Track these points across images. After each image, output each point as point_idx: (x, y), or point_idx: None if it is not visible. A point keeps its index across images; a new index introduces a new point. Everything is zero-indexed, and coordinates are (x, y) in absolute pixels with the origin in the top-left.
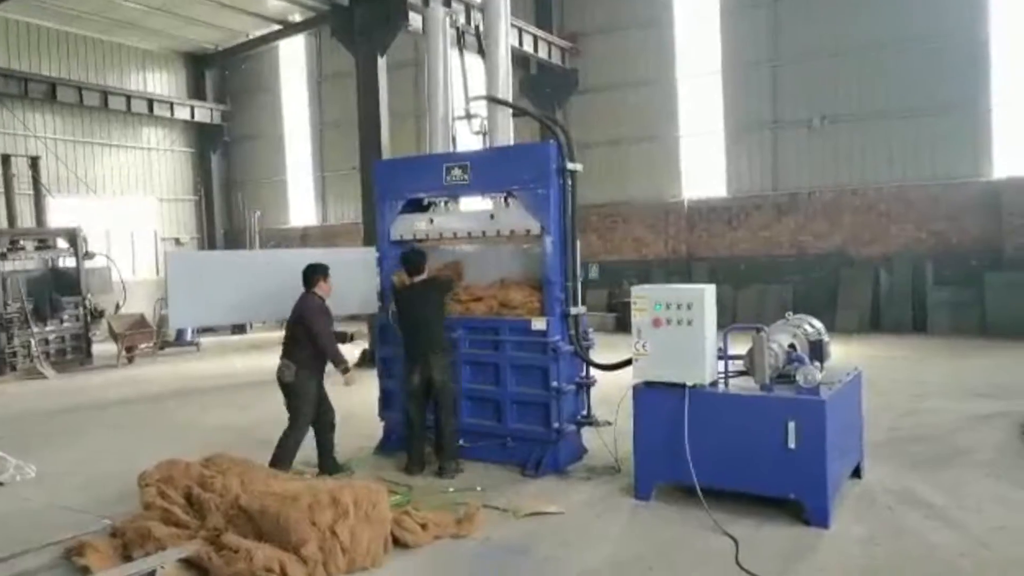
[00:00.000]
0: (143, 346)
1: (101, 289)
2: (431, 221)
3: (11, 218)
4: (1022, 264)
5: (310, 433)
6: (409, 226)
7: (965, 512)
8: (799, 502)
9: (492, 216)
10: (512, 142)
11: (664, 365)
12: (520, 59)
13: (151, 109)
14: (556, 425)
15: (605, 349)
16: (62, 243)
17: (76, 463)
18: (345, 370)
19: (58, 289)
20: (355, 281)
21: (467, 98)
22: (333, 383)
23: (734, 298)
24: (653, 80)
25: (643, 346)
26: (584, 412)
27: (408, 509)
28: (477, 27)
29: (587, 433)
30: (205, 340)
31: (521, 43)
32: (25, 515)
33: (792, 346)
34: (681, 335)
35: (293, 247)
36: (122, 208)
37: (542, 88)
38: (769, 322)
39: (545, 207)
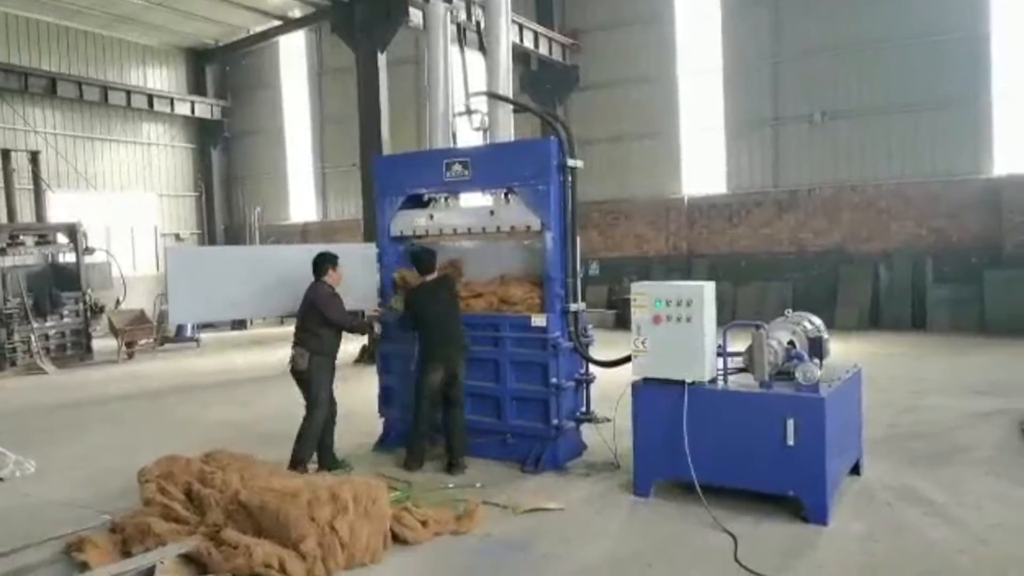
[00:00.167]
0: (143, 342)
1: (101, 285)
2: (431, 217)
3: (11, 213)
4: (1022, 261)
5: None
6: (409, 222)
7: (964, 509)
8: (798, 499)
9: (492, 212)
10: (513, 138)
11: (664, 362)
12: (521, 55)
13: (151, 104)
14: (555, 421)
15: (605, 346)
16: (62, 238)
17: (76, 459)
18: (371, 327)
19: (58, 284)
20: (355, 277)
21: (467, 94)
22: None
23: (734, 295)
24: (654, 77)
25: (643, 343)
26: (583, 409)
27: (408, 505)
28: (478, 23)
29: (586, 430)
30: (205, 336)
31: (522, 39)
32: (25, 510)
33: (791, 343)
34: (681, 332)
35: (293, 243)
36: (122, 204)
37: (543, 84)
38: (769, 319)
39: (545, 203)
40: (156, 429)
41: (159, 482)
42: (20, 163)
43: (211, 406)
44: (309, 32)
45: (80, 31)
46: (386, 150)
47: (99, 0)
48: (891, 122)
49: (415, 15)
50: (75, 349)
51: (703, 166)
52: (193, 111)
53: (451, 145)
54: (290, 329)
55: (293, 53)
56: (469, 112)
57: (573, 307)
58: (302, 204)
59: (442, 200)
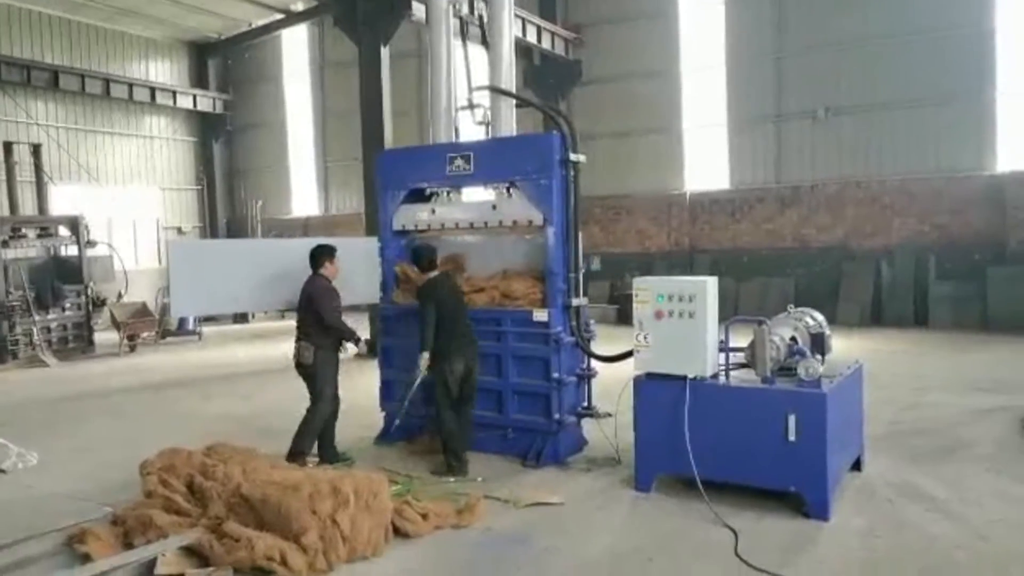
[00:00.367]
0: (145, 335)
1: (103, 277)
2: (433, 211)
3: (13, 206)
4: None
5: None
6: (411, 216)
7: (965, 505)
8: (799, 495)
9: (494, 207)
10: (515, 133)
11: (665, 357)
12: (523, 50)
13: (153, 97)
14: (557, 416)
15: (606, 341)
16: (64, 231)
17: (78, 451)
18: (357, 341)
19: (60, 277)
20: (357, 271)
21: (470, 88)
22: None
23: (736, 291)
24: (657, 72)
25: (644, 338)
26: (585, 403)
27: (409, 499)
28: (480, 17)
29: (588, 425)
30: (207, 329)
31: (525, 34)
32: (27, 502)
33: (794, 339)
34: (683, 327)
35: (295, 236)
36: (124, 196)
37: (545, 79)
38: (771, 315)
39: (548, 198)
40: (158, 422)
41: (161, 475)
42: (22, 156)
43: (213, 399)
44: (311, 25)
45: (83, 24)
46: (388, 144)
47: None
48: (895, 118)
49: (418, 9)
50: (77, 342)
51: (706, 161)
52: (195, 104)
53: (453, 139)
54: (292, 323)
55: (295, 47)
56: (472, 106)
57: (575, 302)
58: (304, 198)
59: (444, 194)
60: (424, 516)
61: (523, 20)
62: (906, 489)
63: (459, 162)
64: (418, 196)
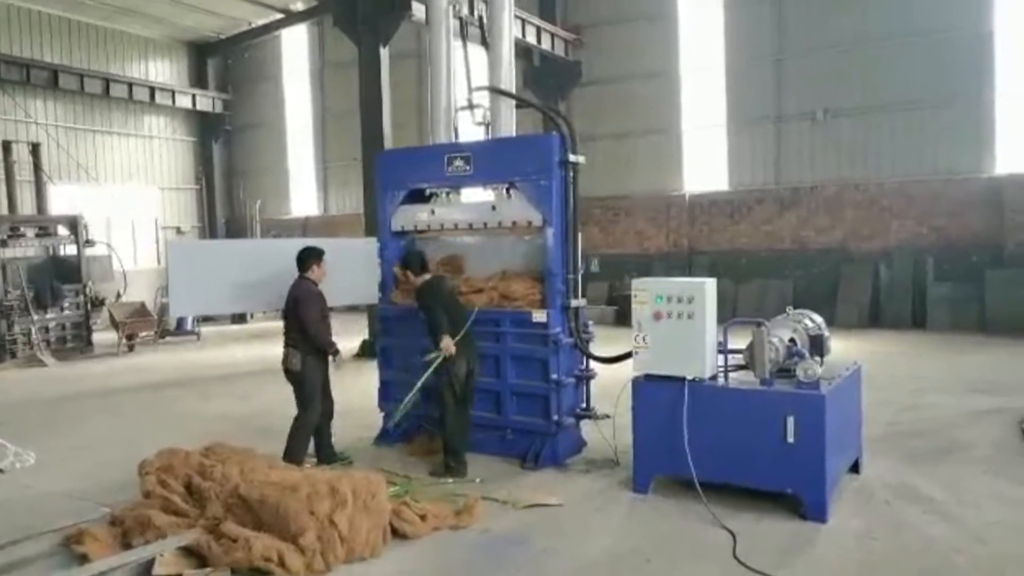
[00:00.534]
0: (143, 334)
1: (102, 277)
2: (433, 212)
3: (11, 205)
4: (1022, 261)
5: None
6: (411, 217)
7: (962, 507)
8: (797, 496)
9: (494, 207)
10: (515, 133)
11: (664, 358)
12: (523, 50)
13: (153, 97)
14: (555, 417)
15: (605, 342)
16: (63, 231)
17: (76, 451)
18: (335, 353)
19: (59, 277)
20: (356, 271)
21: (470, 89)
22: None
23: (735, 292)
24: (656, 73)
25: (643, 339)
26: (584, 405)
27: (407, 500)
28: (480, 17)
29: (586, 426)
30: (206, 329)
31: (524, 34)
32: (24, 502)
33: (792, 340)
34: (682, 328)
35: (294, 237)
36: (123, 196)
37: (545, 80)
38: (770, 316)
39: (547, 199)
40: (156, 422)
41: (159, 475)
42: (21, 155)
43: (211, 399)
44: (311, 25)
45: (82, 23)
46: (388, 144)
47: None
48: (893, 120)
49: (418, 9)
50: (75, 342)
51: (705, 163)
52: (195, 104)
53: (453, 140)
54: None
55: (295, 47)
56: (471, 107)
57: (574, 303)
58: (303, 198)
59: (444, 195)
60: (422, 517)
61: (523, 21)
62: (904, 491)
63: (458, 162)
64: (417, 197)
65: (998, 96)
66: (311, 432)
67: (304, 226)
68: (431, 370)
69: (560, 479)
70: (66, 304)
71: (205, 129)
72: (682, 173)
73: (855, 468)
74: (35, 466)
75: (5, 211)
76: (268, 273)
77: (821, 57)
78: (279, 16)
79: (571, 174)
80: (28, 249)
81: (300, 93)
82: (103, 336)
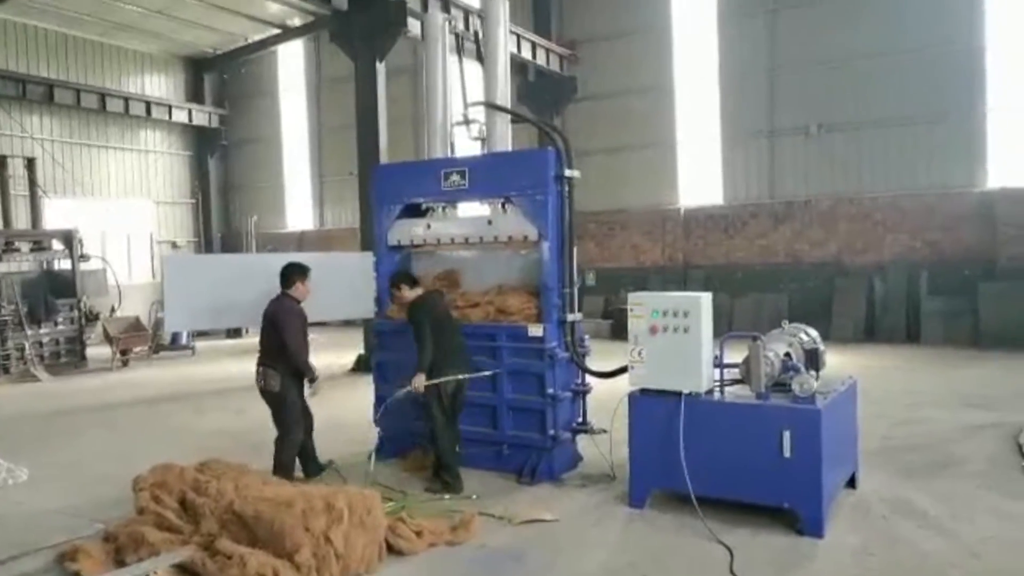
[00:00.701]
0: (138, 349)
1: (96, 292)
2: (429, 226)
3: (6, 219)
4: (1016, 274)
5: None
6: (407, 231)
7: (957, 522)
8: (794, 511)
9: (490, 222)
10: (510, 148)
11: (660, 373)
12: (519, 66)
13: (149, 112)
14: (552, 432)
15: (601, 356)
16: (57, 245)
17: (69, 466)
18: (312, 380)
19: (53, 291)
20: (352, 286)
21: (466, 104)
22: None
23: (730, 306)
24: (651, 88)
25: (639, 353)
26: (580, 419)
27: (403, 516)
28: (476, 33)
29: (582, 441)
30: (200, 344)
31: (520, 50)
32: (17, 519)
33: (788, 355)
34: (678, 343)
35: (290, 251)
36: (118, 211)
37: (540, 95)
38: (765, 330)
39: (543, 213)
40: (150, 437)
41: (153, 491)
42: (16, 170)
43: (206, 414)
44: (308, 41)
45: (78, 38)
46: (384, 159)
47: (97, 7)
48: (886, 135)
49: (413, 25)
50: (69, 357)
51: (700, 177)
52: (191, 119)
53: (449, 155)
54: None
55: (292, 62)
56: (467, 122)
57: (570, 317)
58: (299, 212)
59: (440, 209)
60: (418, 533)
61: (518, 36)
62: (900, 505)
63: (455, 177)
64: (414, 211)
65: (990, 111)
66: (296, 449)
67: (300, 241)
68: (399, 396)
69: (556, 494)
70: (60, 319)
71: (201, 144)
72: (677, 187)
73: (851, 483)
74: (28, 482)
75: (0, 226)
76: (264, 288)
77: (814, 72)
78: (276, 32)
79: (567, 189)
80: (22, 263)
81: (296, 108)
82: (97, 351)
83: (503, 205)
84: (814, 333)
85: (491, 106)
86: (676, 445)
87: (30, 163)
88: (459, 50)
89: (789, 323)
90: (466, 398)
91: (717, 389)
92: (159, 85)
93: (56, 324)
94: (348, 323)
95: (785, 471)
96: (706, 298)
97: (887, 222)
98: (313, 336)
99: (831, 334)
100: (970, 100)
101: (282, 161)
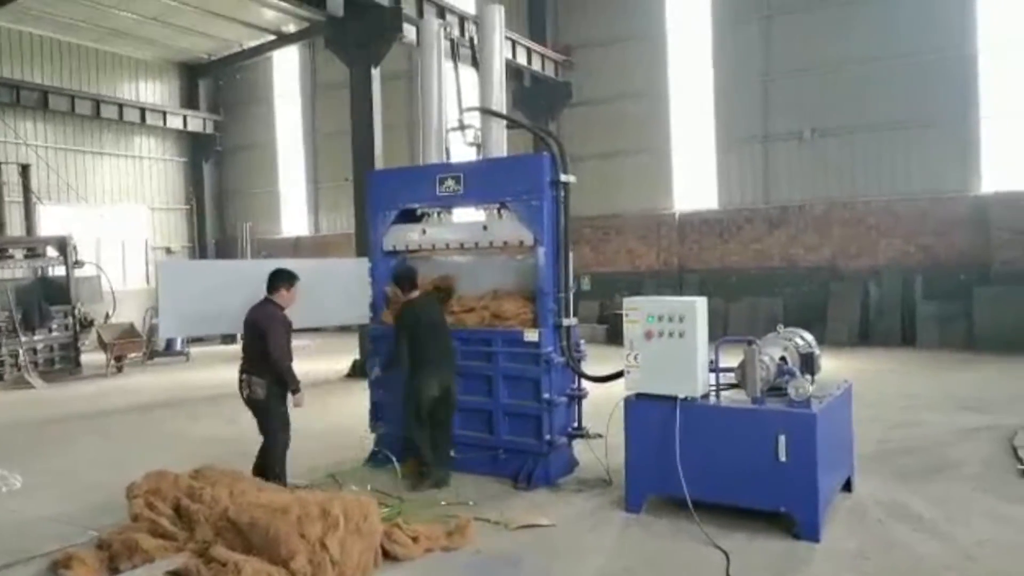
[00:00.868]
0: (132, 355)
1: (91, 298)
2: (424, 232)
3: (0, 226)
4: (1010, 278)
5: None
6: (402, 237)
7: (953, 525)
8: (790, 516)
9: (485, 227)
10: (506, 154)
11: (656, 377)
12: (514, 71)
13: (143, 118)
14: (548, 437)
15: (596, 361)
16: (52, 251)
17: (63, 474)
18: (295, 391)
19: (47, 298)
20: (348, 291)
21: (461, 109)
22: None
23: (725, 311)
24: (646, 93)
25: (635, 358)
26: (576, 424)
27: (399, 522)
28: (471, 39)
29: (578, 445)
30: (195, 350)
31: (515, 56)
32: (11, 526)
33: (783, 359)
34: (673, 347)
35: (286, 258)
36: (113, 217)
37: (536, 100)
38: (760, 335)
39: (538, 219)
40: (144, 444)
41: (147, 497)
42: (10, 176)
43: (200, 420)
44: (303, 47)
45: (73, 45)
46: (379, 165)
47: (92, 14)
48: (880, 140)
49: (409, 31)
50: (64, 363)
51: (694, 182)
52: (185, 125)
53: (444, 160)
54: None
55: (286, 68)
56: (462, 127)
57: (565, 322)
58: (294, 218)
59: (435, 215)
60: (414, 539)
61: (513, 42)
62: (896, 509)
63: (450, 183)
64: (409, 216)
65: (982, 116)
66: (283, 456)
67: (295, 246)
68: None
69: (552, 499)
70: (54, 325)
71: (196, 150)
72: (672, 192)
73: (847, 486)
74: (22, 489)
75: None
76: (259, 295)
77: (808, 78)
78: (271, 38)
79: (562, 194)
80: (16, 270)
81: (291, 114)
82: (91, 357)
83: (499, 210)
84: (809, 337)
85: (486, 111)
86: (672, 450)
87: (24, 169)
88: (454, 56)
89: (784, 327)
90: (456, 402)
91: (713, 393)
92: (154, 91)
93: (50, 331)
94: (343, 329)
95: (781, 475)
96: (701, 302)
97: (881, 227)
98: (307, 342)
99: (826, 338)
100: (963, 105)
101: (277, 167)
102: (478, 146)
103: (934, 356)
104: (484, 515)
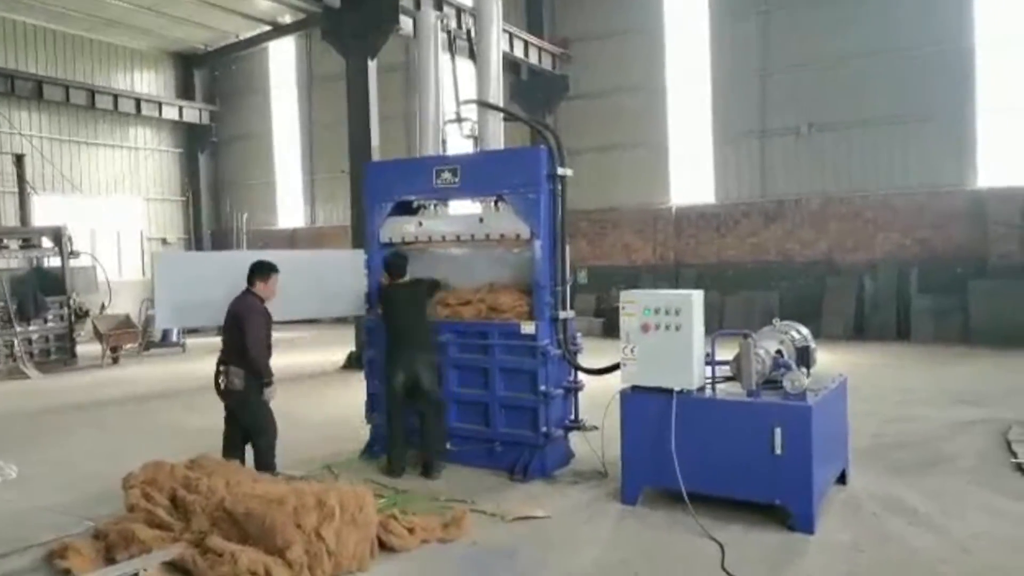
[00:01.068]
0: (128, 346)
1: (86, 289)
2: (420, 224)
3: None
4: (1005, 272)
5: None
6: (398, 229)
7: (948, 518)
8: (785, 508)
9: (481, 220)
10: (502, 146)
11: (652, 370)
12: (511, 64)
13: (139, 108)
14: (544, 429)
15: (593, 354)
16: (47, 242)
17: (59, 464)
18: (268, 384)
19: (43, 289)
20: (344, 284)
21: (458, 102)
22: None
23: (721, 304)
24: (643, 87)
25: (631, 351)
26: (572, 417)
27: (395, 513)
28: (468, 31)
29: (574, 438)
30: (191, 340)
31: (512, 48)
32: (6, 516)
33: (779, 352)
34: (669, 340)
35: (282, 249)
36: (108, 207)
37: (533, 93)
38: (756, 328)
39: (535, 211)
40: (140, 435)
41: (143, 488)
42: (5, 166)
43: (196, 411)
44: (299, 38)
45: (67, 34)
46: (375, 156)
47: (86, 3)
48: (877, 134)
49: (406, 23)
50: (59, 354)
51: (691, 176)
52: (181, 115)
53: (441, 152)
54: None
55: (283, 59)
56: (459, 120)
57: (562, 315)
58: (290, 210)
59: (431, 207)
60: (410, 530)
61: (511, 35)
62: (890, 502)
63: (446, 175)
64: (405, 209)
65: (979, 110)
66: (273, 448)
67: (291, 238)
68: None
69: (548, 491)
70: (50, 316)
71: (192, 140)
72: (669, 186)
73: (842, 479)
74: (17, 480)
75: None
76: None
77: (806, 72)
78: (267, 29)
79: (559, 187)
80: (11, 261)
81: (287, 105)
82: (87, 348)
83: (495, 203)
84: (805, 331)
85: (483, 104)
86: (668, 442)
87: (19, 159)
88: (451, 48)
89: (780, 321)
90: (430, 395)
91: (709, 386)
92: (149, 81)
93: (46, 321)
94: (340, 320)
95: (776, 468)
96: (698, 296)
97: (878, 221)
98: (300, 334)
99: (822, 332)
100: (960, 100)
101: (273, 158)
102: (475, 139)
103: (929, 350)
104: (480, 507)
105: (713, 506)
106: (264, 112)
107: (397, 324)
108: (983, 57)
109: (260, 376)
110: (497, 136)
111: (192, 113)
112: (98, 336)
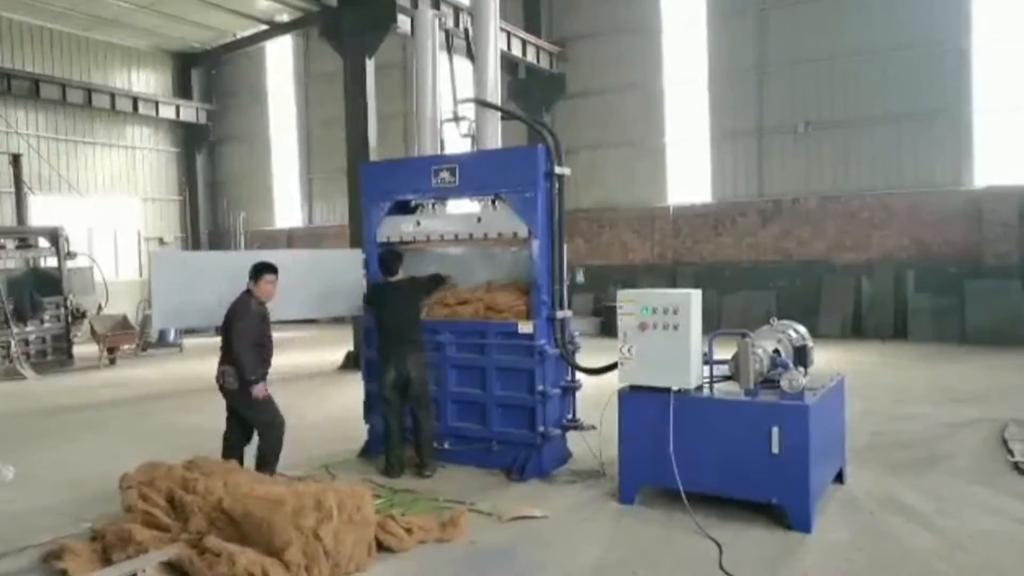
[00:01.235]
0: (125, 347)
1: (83, 289)
2: (418, 223)
3: None
4: (1002, 272)
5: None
6: (396, 228)
7: (945, 517)
8: (782, 507)
9: (479, 219)
10: (500, 145)
11: (650, 369)
12: (509, 63)
13: (136, 108)
14: (541, 429)
15: (590, 353)
16: (43, 242)
17: (56, 465)
18: (251, 381)
19: (39, 289)
20: (342, 283)
21: (455, 101)
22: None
23: (719, 303)
24: (640, 85)
25: (629, 350)
26: (569, 416)
27: (392, 513)
28: (466, 30)
29: (572, 437)
30: (188, 341)
31: (510, 47)
32: (3, 517)
33: (777, 351)
34: (667, 340)
35: (279, 248)
36: (105, 207)
37: (530, 92)
38: (754, 327)
39: (532, 211)
40: (137, 435)
41: (141, 488)
42: (1, 166)
43: (193, 412)
44: (296, 37)
45: (64, 33)
46: (373, 156)
47: (83, 2)
48: (874, 133)
49: (403, 21)
50: (56, 355)
51: (688, 175)
52: (178, 115)
53: (439, 151)
54: (277, 334)
55: (280, 58)
56: (457, 119)
57: (559, 314)
58: (288, 209)
59: (429, 206)
60: (408, 530)
61: (508, 34)
62: (887, 501)
63: (444, 174)
64: (403, 208)
65: (976, 110)
66: (280, 443)
67: (289, 238)
68: None
69: (546, 491)
70: (46, 317)
71: (189, 140)
72: (666, 185)
73: (839, 478)
74: (14, 481)
75: None
76: None
77: (803, 71)
78: (264, 28)
79: (556, 186)
80: (8, 261)
81: (285, 104)
82: (84, 349)
83: (493, 202)
84: (802, 330)
85: (481, 103)
86: (665, 441)
87: (15, 159)
88: (449, 47)
89: (778, 320)
90: (419, 393)
91: (706, 386)
92: (146, 81)
93: (42, 322)
94: (338, 320)
95: (774, 467)
96: (696, 295)
97: (875, 220)
98: (299, 334)
99: (819, 331)
100: (957, 99)
101: (270, 158)
102: (472, 138)
103: (926, 349)
104: (478, 507)
105: (711, 505)
106: (261, 111)
107: (387, 322)
108: (980, 56)
109: (264, 373)
110: (495, 135)
111: (189, 112)
112: (95, 337)
